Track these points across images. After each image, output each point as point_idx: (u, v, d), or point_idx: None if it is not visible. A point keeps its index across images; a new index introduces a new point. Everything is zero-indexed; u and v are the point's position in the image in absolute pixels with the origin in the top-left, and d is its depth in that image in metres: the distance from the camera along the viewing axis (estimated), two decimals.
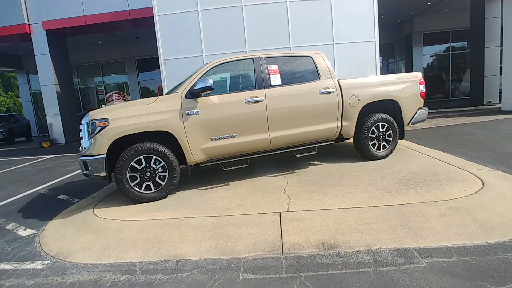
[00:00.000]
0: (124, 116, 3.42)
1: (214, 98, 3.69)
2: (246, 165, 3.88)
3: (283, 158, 5.01)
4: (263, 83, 3.92)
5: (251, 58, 4.01)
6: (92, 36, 14.05)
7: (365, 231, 2.59)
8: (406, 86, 4.60)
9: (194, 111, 3.58)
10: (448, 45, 16.52)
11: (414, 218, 2.67)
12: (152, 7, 7.95)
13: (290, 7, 7.38)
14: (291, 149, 4.14)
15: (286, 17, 7.43)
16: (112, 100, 16.58)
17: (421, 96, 4.74)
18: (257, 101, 3.82)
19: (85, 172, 3.46)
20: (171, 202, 3.49)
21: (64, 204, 4.24)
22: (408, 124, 4.75)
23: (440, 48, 16.91)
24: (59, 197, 4.64)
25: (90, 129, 3.42)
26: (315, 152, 4.23)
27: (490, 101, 11.44)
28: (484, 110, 10.13)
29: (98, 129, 3.34)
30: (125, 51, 16.38)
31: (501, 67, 11.36)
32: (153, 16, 9.27)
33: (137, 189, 3.50)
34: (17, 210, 4.20)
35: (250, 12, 7.41)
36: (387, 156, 4.60)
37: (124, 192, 3.46)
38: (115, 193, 4.14)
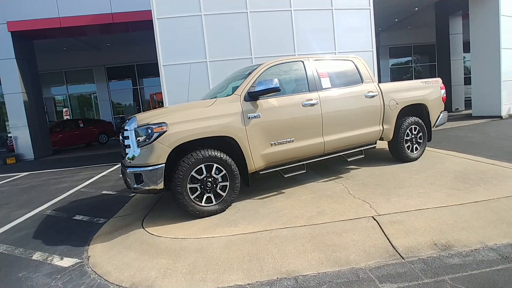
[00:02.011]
0: (183, 120, 3.05)
1: (273, 101, 3.48)
2: (304, 171, 3.70)
3: (315, 164, 4.91)
4: (315, 85, 3.83)
5: (301, 61, 3.90)
6: (57, 41, 12.80)
7: (468, 228, 2.57)
8: (432, 91, 4.86)
9: (255, 114, 3.33)
10: (410, 58, 18.17)
11: (505, 213, 2.73)
12: (139, 11, 7.53)
13: (294, 15, 7.47)
14: (341, 153, 4.06)
15: (291, 25, 7.49)
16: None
17: (442, 100, 5.03)
18: (313, 104, 3.70)
19: (136, 185, 2.98)
20: (237, 215, 3.16)
21: (89, 226, 3.62)
22: (433, 126, 4.99)
23: (403, 60, 18.53)
24: (76, 218, 3.96)
25: (142, 136, 2.98)
26: (363, 156, 4.21)
27: (458, 108, 12.71)
28: (456, 116, 11.18)
29: (155, 135, 2.92)
30: (93, 59, 15.17)
31: (465, 78, 12.77)
32: (138, 21, 8.74)
33: (198, 202, 3.11)
34: (30, 236, 3.47)
35: (255, 19, 7.33)
36: (419, 158, 4.76)
37: (184, 206, 3.05)
38: (152, 210, 3.65)
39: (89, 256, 2.83)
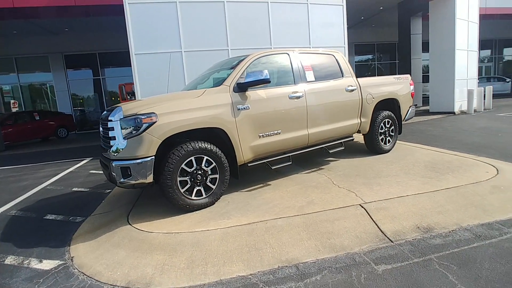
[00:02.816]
0: (173, 111, 2.94)
1: (261, 93, 3.49)
2: (290, 163, 3.77)
3: (296, 157, 5.02)
4: (300, 78, 3.89)
5: (287, 53, 3.93)
6: (6, 23, 11.49)
7: (444, 212, 2.83)
8: (403, 86, 5.19)
9: (244, 106, 3.32)
10: (373, 55, 19.13)
11: (473, 197, 3.04)
12: None
13: (271, 8, 7.48)
14: (323, 145, 4.20)
15: (268, 17, 7.50)
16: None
17: (411, 96, 5.40)
18: (298, 97, 3.77)
19: (123, 179, 2.83)
20: (228, 207, 3.14)
21: (65, 226, 3.37)
22: (403, 120, 5.34)
23: (367, 57, 19.47)
24: (48, 217, 3.65)
25: (129, 127, 2.83)
26: (343, 148, 4.39)
27: (416, 104, 13.69)
28: (415, 112, 12.05)
29: (144, 125, 2.78)
30: (49, 45, 13.86)
31: (423, 76, 13.78)
32: (103, 5, 8.25)
33: (188, 195, 3.04)
34: None
35: (232, 10, 7.22)
36: (391, 150, 5.08)
37: (174, 200, 2.96)
38: (135, 206, 3.49)
39: (72, 257, 2.65)
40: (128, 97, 10.43)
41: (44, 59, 14.34)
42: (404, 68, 13.38)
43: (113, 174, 2.87)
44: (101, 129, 3.32)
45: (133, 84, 10.76)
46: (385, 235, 2.55)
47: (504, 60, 23.81)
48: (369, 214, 2.79)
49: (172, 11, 6.86)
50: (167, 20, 6.88)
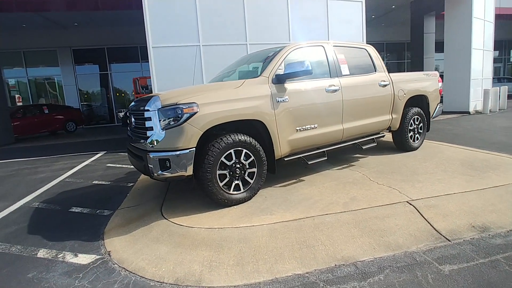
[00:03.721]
0: (214, 101, 2.81)
1: (299, 85, 3.35)
2: (325, 158, 3.63)
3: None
4: (336, 71, 3.76)
5: (321, 45, 3.80)
6: (15, 16, 11.36)
7: (497, 211, 2.70)
8: (432, 83, 5.05)
9: (283, 98, 3.18)
10: (382, 55, 18.93)
11: None
12: None
13: (290, 2, 7.34)
14: (356, 141, 4.07)
15: (287, 12, 7.35)
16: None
17: (439, 93, 5.26)
18: (335, 91, 3.64)
19: (160, 171, 2.70)
20: (267, 203, 3.01)
21: (93, 219, 3.24)
22: (431, 117, 5.21)
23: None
24: (73, 210, 3.53)
25: (168, 117, 2.69)
26: (376, 144, 4.26)
27: None
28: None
29: (186, 116, 2.65)
30: (58, 39, 13.73)
31: None
32: None
33: (226, 189, 2.91)
34: (24, 232, 3.01)
35: (251, 4, 7.08)
36: (419, 147, 4.95)
37: (213, 194, 2.83)
38: (165, 200, 3.37)
39: (109, 252, 2.52)
40: (142, 90, 10.29)
41: (53, 53, 14.20)
42: (416, 67, 13.23)
43: (150, 166, 2.73)
44: (133, 119, 3.18)
45: (147, 78, 10.68)
46: (440, 234, 2.42)
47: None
48: (419, 212, 2.66)
49: (190, 4, 6.72)
50: (185, 13, 6.74)
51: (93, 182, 4.69)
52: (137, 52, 15.35)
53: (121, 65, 16.05)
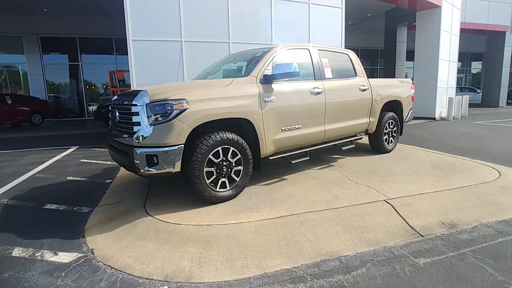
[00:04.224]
0: (204, 98, 2.81)
1: (285, 86, 3.44)
2: (307, 158, 3.76)
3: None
4: (320, 74, 3.90)
5: (307, 48, 3.92)
6: None
7: (463, 209, 2.95)
8: (405, 89, 5.38)
9: (271, 98, 3.25)
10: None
11: (486, 196, 3.21)
12: None
13: (274, 4, 7.44)
14: (336, 142, 4.24)
15: (270, 13, 7.45)
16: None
17: (412, 99, 5.61)
18: (318, 93, 3.77)
19: (147, 167, 2.66)
20: (253, 200, 3.07)
21: (72, 216, 3.11)
22: (404, 122, 5.54)
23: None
24: (48, 207, 3.35)
25: (156, 113, 2.66)
26: (354, 145, 4.46)
27: None
28: None
29: (175, 112, 2.63)
30: (24, 25, 12.81)
31: None
32: None
33: (213, 187, 2.93)
34: None
35: (235, 3, 7.08)
36: (392, 150, 5.25)
37: (199, 191, 2.84)
38: (148, 196, 3.31)
39: (92, 249, 2.44)
40: (119, 84, 9.90)
41: (18, 40, 13.22)
42: (389, 74, 13.92)
43: (136, 161, 2.69)
44: (117, 113, 3.10)
45: (124, 71, 10.30)
46: (415, 230, 2.61)
47: (472, 73, 25.63)
48: (396, 210, 2.85)
49: None
50: (168, 7, 6.61)
51: (67, 178, 4.47)
52: (111, 44, 14.72)
53: (93, 56, 15.31)
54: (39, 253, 2.42)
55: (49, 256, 2.37)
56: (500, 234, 2.57)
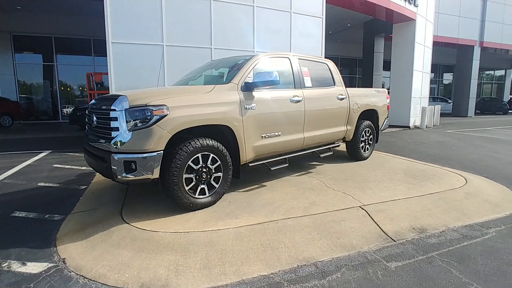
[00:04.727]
0: (184, 105, 2.81)
1: (266, 94, 3.50)
2: (287, 165, 3.82)
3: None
4: (300, 83, 4.00)
5: (287, 57, 4.01)
6: None
7: (432, 215, 3.11)
8: (381, 99, 5.62)
9: (251, 105, 3.30)
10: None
11: (453, 202, 3.40)
12: None
13: (256, 12, 7.55)
14: (315, 150, 4.34)
15: (252, 21, 7.55)
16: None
17: (387, 108, 5.86)
18: (298, 101, 3.86)
19: (125, 174, 2.61)
20: (232, 207, 3.08)
21: (42, 225, 2.99)
22: (380, 130, 5.76)
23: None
24: (17, 215, 3.19)
25: (136, 119, 2.63)
26: (332, 153, 4.59)
27: None
28: None
29: (155, 118, 2.61)
30: None
31: None
32: None
33: (192, 193, 2.92)
34: None
35: (218, 9, 7.14)
36: (369, 157, 5.44)
37: (178, 198, 2.82)
38: (125, 203, 3.24)
39: (63, 259, 2.36)
40: (97, 87, 9.60)
41: None
42: (367, 82, 14.44)
43: (113, 167, 2.63)
44: (94, 118, 3.02)
45: (102, 74, 10.02)
46: (387, 235, 2.72)
47: (444, 83, 27.06)
48: (370, 216, 2.96)
49: (156, 2, 6.55)
50: (150, 10, 6.56)
51: (39, 184, 4.28)
52: (89, 45, 14.30)
53: (69, 57, 14.79)
54: (6, 263, 2.30)
55: (16, 266, 2.27)
56: (465, 238, 2.73)
